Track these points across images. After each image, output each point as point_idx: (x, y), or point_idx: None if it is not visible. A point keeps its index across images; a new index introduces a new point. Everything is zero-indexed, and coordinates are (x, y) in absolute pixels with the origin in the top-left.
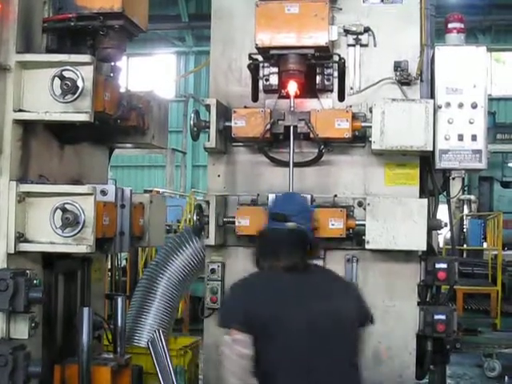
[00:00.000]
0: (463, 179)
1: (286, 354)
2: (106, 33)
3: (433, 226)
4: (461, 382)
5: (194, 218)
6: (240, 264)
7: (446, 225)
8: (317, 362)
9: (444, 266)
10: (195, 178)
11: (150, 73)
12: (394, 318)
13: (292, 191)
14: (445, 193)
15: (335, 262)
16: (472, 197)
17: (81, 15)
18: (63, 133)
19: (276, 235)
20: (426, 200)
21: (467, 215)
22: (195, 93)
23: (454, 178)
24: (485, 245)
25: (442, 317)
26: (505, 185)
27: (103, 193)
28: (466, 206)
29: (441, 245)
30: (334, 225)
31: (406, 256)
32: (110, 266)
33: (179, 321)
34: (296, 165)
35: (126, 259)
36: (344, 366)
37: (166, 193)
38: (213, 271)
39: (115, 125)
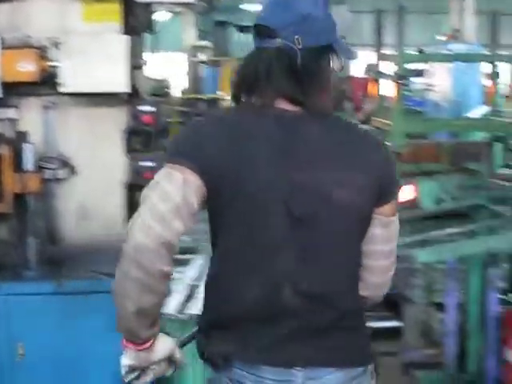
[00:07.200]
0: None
1: (241, 232)
2: None
3: (136, 65)
4: None
5: None
6: None
7: (146, 63)
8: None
9: (151, 108)
10: None
11: None
12: (100, 168)
13: None
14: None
15: (32, 111)
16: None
17: None
18: None
19: (258, 58)
20: (127, 37)
21: (202, 62)
22: None
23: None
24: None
25: (150, 164)
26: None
27: None
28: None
29: (178, 95)
30: (25, 67)
31: (109, 100)
32: None
33: None
34: None
35: None
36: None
37: None
38: None
39: None
